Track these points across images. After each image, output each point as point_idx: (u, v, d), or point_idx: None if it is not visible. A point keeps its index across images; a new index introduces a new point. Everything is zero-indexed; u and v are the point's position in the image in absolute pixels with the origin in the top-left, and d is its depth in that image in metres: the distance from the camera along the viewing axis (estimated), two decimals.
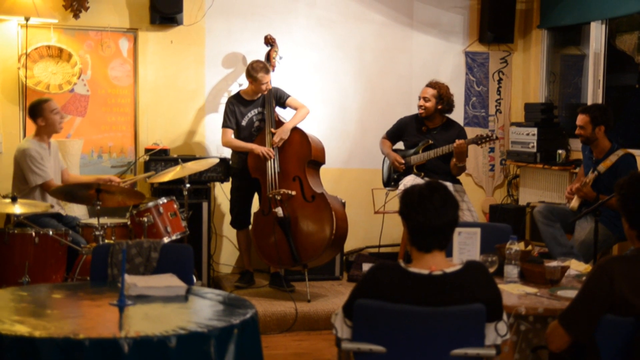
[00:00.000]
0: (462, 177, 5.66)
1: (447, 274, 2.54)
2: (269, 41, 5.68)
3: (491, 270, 3.41)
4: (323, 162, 5.42)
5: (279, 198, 5.17)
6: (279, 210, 5.13)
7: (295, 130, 5.34)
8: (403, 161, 5.46)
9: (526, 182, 6.62)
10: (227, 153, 5.75)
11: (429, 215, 2.53)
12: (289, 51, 6.00)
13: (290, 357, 4.53)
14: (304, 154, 5.26)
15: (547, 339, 2.70)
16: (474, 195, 6.58)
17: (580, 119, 4.96)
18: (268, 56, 5.64)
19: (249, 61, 5.51)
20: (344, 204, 5.44)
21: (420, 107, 5.44)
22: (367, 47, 6.43)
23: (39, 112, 4.84)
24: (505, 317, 2.62)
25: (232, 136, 5.41)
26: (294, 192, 5.17)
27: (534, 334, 3.05)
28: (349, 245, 5.92)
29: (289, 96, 5.51)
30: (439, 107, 5.42)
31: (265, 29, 5.91)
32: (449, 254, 3.28)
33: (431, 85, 5.45)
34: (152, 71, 5.91)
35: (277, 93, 5.48)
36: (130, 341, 2.33)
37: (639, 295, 2.46)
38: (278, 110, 5.50)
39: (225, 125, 5.40)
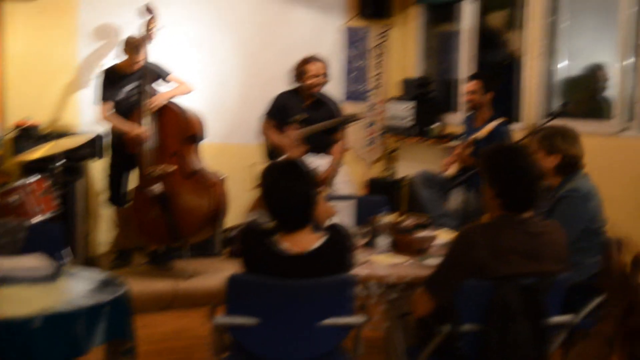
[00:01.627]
0: None
1: (311, 251, 2.61)
2: (149, 10, 5.49)
3: (364, 241, 3.51)
4: (202, 138, 5.35)
5: (157, 174, 5.08)
6: (157, 187, 5.04)
7: (173, 105, 5.24)
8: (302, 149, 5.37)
9: (404, 156, 6.80)
10: (102, 129, 5.57)
11: (283, 196, 2.59)
12: (167, 23, 5.85)
13: (169, 335, 4.50)
14: (182, 129, 5.18)
15: (413, 305, 2.80)
16: (354, 168, 6.69)
17: (473, 84, 5.12)
18: (147, 26, 5.45)
19: (124, 33, 5.34)
20: (223, 180, 5.41)
21: (317, 84, 5.34)
22: (247, 21, 6.38)
23: None
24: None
25: (111, 110, 5.24)
26: (172, 169, 5.09)
27: (403, 302, 3.16)
28: (230, 221, 5.90)
29: (169, 73, 5.39)
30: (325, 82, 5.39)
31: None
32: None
33: (322, 60, 5.38)
34: (20, 44, 5.63)
35: (156, 69, 5.34)
36: None
37: (498, 260, 2.59)
38: (158, 87, 5.37)
39: (103, 98, 5.23)
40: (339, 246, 2.71)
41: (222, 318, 2.69)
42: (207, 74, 6.25)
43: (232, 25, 6.34)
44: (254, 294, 2.65)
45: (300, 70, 5.34)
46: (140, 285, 4.85)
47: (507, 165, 2.68)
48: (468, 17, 6.29)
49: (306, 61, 5.34)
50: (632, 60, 4.83)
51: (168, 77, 5.36)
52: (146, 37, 5.22)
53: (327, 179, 5.25)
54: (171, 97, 5.26)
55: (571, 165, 3.41)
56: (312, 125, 5.27)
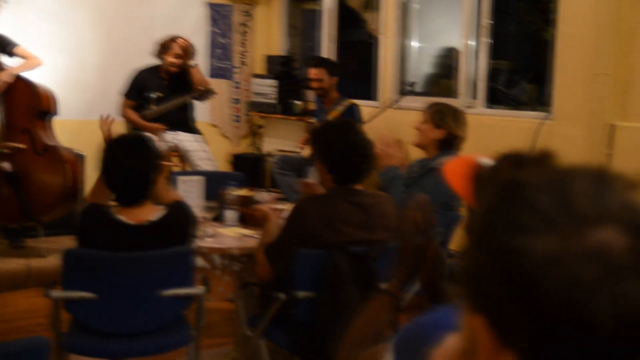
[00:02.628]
0: (207, 128, 5.70)
1: (149, 222, 2.65)
2: None
3: (210, 215, 3.57)
4: (55, 113, 5.21)
5: (6, 152, 4.92)
6: (7, 165, 4.89)
7: (22, 80, 5.06)
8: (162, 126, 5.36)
9: (269, 132, 6.89)
10: None
11: (117, 172, 2.63)
12: None
13: (21, 314, 4.40)
14: (32, 105, 5.02)
15: (257, 269, 2.91)
16: (220, 145, 6.71)
17: (317, 72, 5.25)
18: None
19: None
20: (80, 157, 5.30)
21: (177, 64, 5.32)
22: None
23: None
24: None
25: None
26: (23, 146, 4.95)
27: (246, 273, 3.25)
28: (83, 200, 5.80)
29: (16, 45, 5.20)
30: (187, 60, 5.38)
31: None
32: None
33: (187, 40, 5.35)
34: None
35: (1, 40, 5.14)
36: None
37: (329, 229, 2.72)
38: (5, 61, 5.17)
39: None
40: (178, 219, 2.77)
41: (57, 293, 2.69)
42: (62, 48, 6.07)
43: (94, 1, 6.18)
44: (89, 268, 2.67)
45: (163, 47, 5.33)
46: None
47: (335, 141, 2.81)
48: None
49: (171, 39, 5.34)
50: (474, 42, 5.10)
51: (14, 50, 5.16)
52: None
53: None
54: (19, 72, 5.08)
55: (451, 143, 3.66)
56: (165, 102, 5.29)
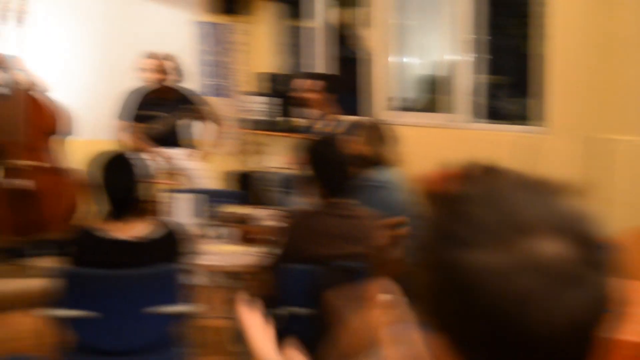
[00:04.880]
0: (202, 145, 5.70)
1: (142, 238, 2.66)
2: None
3: (207, 232, 3.58)
4: (69, 133, 5.26)
5: (22, 169, 4.95)
6: (21, 181, 4.92)
7: (39, 98, 5.13)
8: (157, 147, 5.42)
9: (267, 150, 6.91)
10: None
11: (107, 187, 2.65)
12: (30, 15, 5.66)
13: (25, 334, 4.33)
14: (50, 124, 5.11)
15: (255, 286, 2.93)
16: (215, 162, 6.70)
17: (315, 84, 5.27)
18: (14, 10, 5.24)
19: None
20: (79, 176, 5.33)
21: (152, 80, 5.40)
22: (98, 14, 6.27)
23: None
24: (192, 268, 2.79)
25: None
26: (38, 164, 4.99)
27: (241, 289, 3.26)
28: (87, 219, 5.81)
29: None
30: (174, 78, 5.46)
31: None
32: None
33: (166, 57, 5.45)
34: None
35: None
36: None
37: (313, 242, 2.74)
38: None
39: None
40: (169, 236, 2.77)
41: (55, 312, 2.68)
42: (69, 67, 6.11)
43: (82, 18, 6.21)
44: (81, 286, 2.66)
45: (139, 66, 5.44)
46: None
47: (319, 156, 2.85)
48: (322, 13, 6.48)
49: (149, 58, 5.42)
50: (470, 57, 5.14)
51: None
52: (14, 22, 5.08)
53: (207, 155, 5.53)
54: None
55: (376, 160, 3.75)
56: (158, 121, 5.33)
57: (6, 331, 4.31)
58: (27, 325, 4.46)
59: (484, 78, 5.14)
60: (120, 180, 2.67)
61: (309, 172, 2.85)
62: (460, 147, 5.06)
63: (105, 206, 2.68)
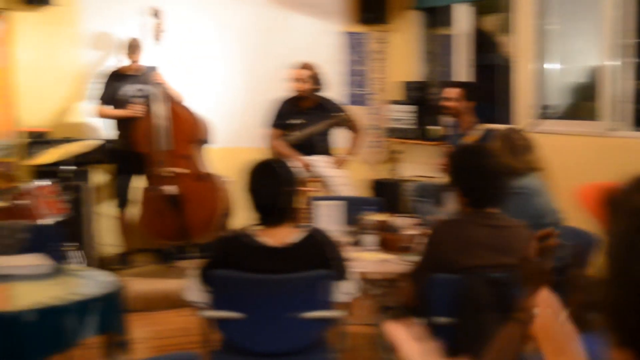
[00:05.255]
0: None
1: (289, 245, 2.75)
2: (156, 14, 5.61)
3: (351, 239, 3.65)
4: (209, 141, 5.56)
5: (171, 176, 5.27)
6: (170, 188, 5.24)
7: (184, 108, 5.46)
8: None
9: (407, 158, 6.92)
10: (109, 134, 5.76)
11: (257, 194, 2.75)
12: (170, 30, 6.01)
13: (175, 332, 4.64)
14: (193, 133, 5.40)
15: (401, 295, 2.95)
16: (358, 170, 6.79)
17: (454, 92, 5.24)
18: (151, 29, 5.59)
19: (124, 38, 5.57)
20: (229, 183, 5.57)
21: (300, 89, 5.57)
22: (249, 26, 6.53)
23: None
24: (351, 276, 2.84)
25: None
26: (187, 171, 5.30)
27: (386, 297, 3.30)
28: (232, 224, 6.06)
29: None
30: (314, 87, 5.60)
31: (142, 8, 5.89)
32: None
33: (305, 67, 5.60)
34: (28, 52, 5.84)
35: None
36: None
37: (464, 253, 2.72)
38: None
39: (101, 98, 5.54)
40: (318, 242, 2.84)
41: (210, 312, 2.84)
42: (209, 78, 6.41)
43: (235, 31, 6.49)
44: (236, 289, 2.80)
45: (282, 76, 5.59)
46: (147, 285, 5.05)
47: (468, 165, 2.83)
48: (462, 20, 6.41)
49: (292, 67, 5.56)
50: (619, 62, 4.92)
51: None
52: (151, 39, 5.41)
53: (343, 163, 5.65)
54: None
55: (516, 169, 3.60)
56: (298, 129, 5.49)
57: (158, 329, 4.59)
58: (178, 324, 4.74)
59: (632, 84, 4.90)
60: (266, 187, 2.77)
61: (452, 180, 2.84)
62: (608, 155, 4.87)
63: (254, 212, 2.80)
